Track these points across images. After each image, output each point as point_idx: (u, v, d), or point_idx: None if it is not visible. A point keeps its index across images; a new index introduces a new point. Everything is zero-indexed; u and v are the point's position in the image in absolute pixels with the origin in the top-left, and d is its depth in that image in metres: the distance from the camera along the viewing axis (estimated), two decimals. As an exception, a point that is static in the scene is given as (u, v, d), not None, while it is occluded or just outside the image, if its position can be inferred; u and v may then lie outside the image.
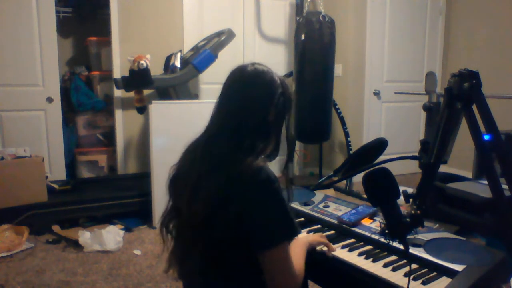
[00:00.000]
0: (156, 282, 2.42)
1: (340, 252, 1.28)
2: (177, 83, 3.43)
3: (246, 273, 1.08)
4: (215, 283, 1.10)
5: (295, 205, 1.58)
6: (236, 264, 1.07)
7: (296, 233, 1.09)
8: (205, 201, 1.03)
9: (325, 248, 1.29)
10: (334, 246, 1.31)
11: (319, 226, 1.49)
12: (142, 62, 3.16)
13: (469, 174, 2.97)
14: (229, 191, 1.02)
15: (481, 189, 2.27)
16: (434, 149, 1.07)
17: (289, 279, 1.06)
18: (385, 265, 1.18)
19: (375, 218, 1.46)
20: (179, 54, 3.54)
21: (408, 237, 1.04)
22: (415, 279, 1.09)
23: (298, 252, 1.16)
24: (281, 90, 1.14)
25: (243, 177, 1.02)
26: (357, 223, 1.42)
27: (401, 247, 1.01)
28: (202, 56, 3.44)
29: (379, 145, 1.64)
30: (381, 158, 1.59)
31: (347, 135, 4.14)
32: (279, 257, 1.03)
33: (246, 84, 1.14)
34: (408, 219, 1.03)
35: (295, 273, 1.07)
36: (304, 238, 1.27)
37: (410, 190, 1.08)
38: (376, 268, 1.17)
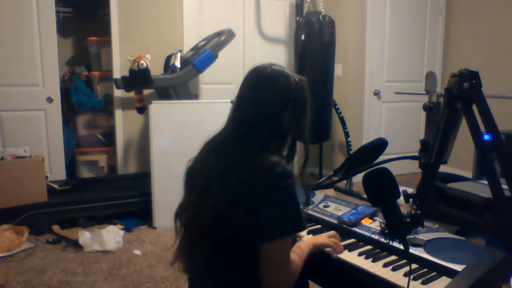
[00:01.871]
0: (156, 282, 2.42)
1: (340, 252, 1.28)
2: (177, 83, 3.43)
3: (252, 268, 1.08)
4: (221, 277, 1.11)
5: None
6: (243, 259, 1.08)
7: (302, 228, 1.10)
8: (217, 197, 1.06)
9: (328, 249, 1.28)
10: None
11: (319, 226, 1.49)
12: (142, 62, 3.16)
13: (469, 174, 2.97)
14: (243, 187, 1.03)
15: (481, 189, 2.26)
16: (434, 149, 1.07)
17: (283, 276, 1.07)
18: (385, 265, 1.18)
19: (375, 218, 1.46)
20: (179, 54, 3.55)
21: (408, 237, 1.04)
22: (415, 279, 1.09)
23: (298, 254, 1.17)
24: (297, 92, 1.15)
25: (258, 171, 1.04)
26: (357, 223, 1.42)
27: (401, 247, 1.01)
28: (202, 56, 3.44)
29: (379, 145, 1.64)
30: (381, 158, 1.59)
31: (347, 135, 4.15)
32: (278, 251, 1.05)
33: (262, 86, 1.15)
34: (408, 219, 1.03)
35: (289, 271, 1.08)
36: (309, 240, 1.27)
37: (410, 190, 1.08)
38: (376, 268, 1.17)
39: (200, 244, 1.10)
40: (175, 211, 1.21)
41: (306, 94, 1.17)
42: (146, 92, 3.63)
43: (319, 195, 1.72)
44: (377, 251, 1.27)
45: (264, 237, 1.04)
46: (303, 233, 1.43)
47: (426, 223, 1.07)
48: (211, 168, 1.11)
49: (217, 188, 1.07)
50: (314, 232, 1.43)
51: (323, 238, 1.30)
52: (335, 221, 1.46)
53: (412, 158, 1.29)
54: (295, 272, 1.12)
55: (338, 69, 4.38)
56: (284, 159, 1.11)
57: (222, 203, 1.05)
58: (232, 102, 1.21)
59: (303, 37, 3.66)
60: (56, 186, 3.35)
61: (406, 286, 1.01)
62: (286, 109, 1.13)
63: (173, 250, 1.21)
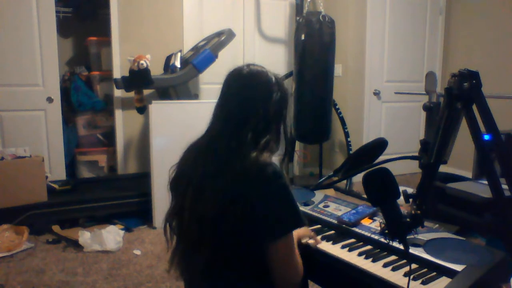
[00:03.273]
0: (156, 282, 2.42)
1: (340, 252, 1.28)
2: (177, 83, 3.43)
3: (250, 273, 1.08)
4: (218, 283, 1.10)
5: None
6: (240, 264, 1.08)
7: (303, 222, 1.11)
8: (212, 201, 1.05)
9: (310, 241, 1.32)
10: (334, 246, 1.31)
11: (319, 226, 1.49)
12: (142, 62, 3.16)
13: (469, 174, 2.97)
14: (236, 189, 1.04)
15: (481, 189, 2.27)
16: (434, 149, 1.07)
17: (295, 269, 1.10)
18: (385, 265, 1.18)
19: (375, 218, 1.46)
20: (179, 54, 3.54)
21: (408, 237, 1.04)
22: (415, 279, 1.09)
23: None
24: (277, 87, 1.18)
25: (250, 173, 1.05)
26: (357, 223, 1.42)
27: (401, 247, 1.01)
28: (202, 56, 3.44)
29: (379, 145, 1.64)
30: (381, 158, 1.59)
31: (347, 135, 4.14)
32: (286, 247, 1.07)
33: (243, 86, 1.18)
34: (408, 219, 1.03)
35: (299, 263, 1.11)
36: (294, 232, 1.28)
37: (410, 190, 1.08)
38: (376, 268, 1.17)
39: (196, 249, 1.10)
40: (165, 219, 1.20)
41: (286, 88, 1.21)
42: (146, 92, 3.63)
43: (319, 195, 1.72)
44: (377, 251, 1.27)
45: (268, 238, 1.06)
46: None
47: (426, 223, 1.07)
48: (202, 172, 1.11)
49: (211, 191, 1.07)
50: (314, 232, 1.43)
51: (303, 230, 1.32)
52: (335, 221, 1.46)
53: (412, 158, 1.29)
54: (301, 262, 1.13)
55: (338, 69, 4.38)
56: (272, 155, 1.13)
57: (218, 205, 1.05)
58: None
59: (303, 37, 3.66)
60: (56, 186, 3.35)
61: (406, 286, 1.01)
62: (270, 104, 1.16)
63: (168, 258, 1.20)
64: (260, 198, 1.04)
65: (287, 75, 4.03)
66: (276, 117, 1.17)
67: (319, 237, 1.36)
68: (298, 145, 4.57)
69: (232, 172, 1.05)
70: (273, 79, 1.19)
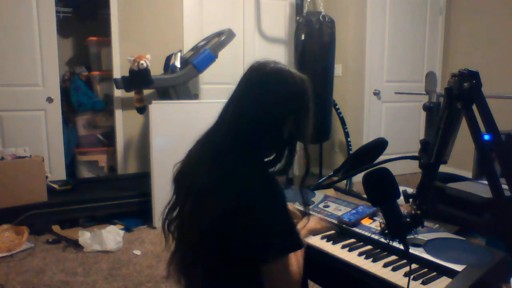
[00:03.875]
0: (156, 282, 2.42)
1: (340, 252, 1.28)
2: (177, 83, 3.43)
3: (248, 281, 1.07)
4: (218, 285, 1.09)
5: (295, 205, 1.58)
6: (239, 273, 1.06)
7: (301, 246, 1.07)
8: (212, 211, 1.02)
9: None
10: (334, 246, 1.31)
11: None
12: (142, 62, 3.16)
13: (469, 174, 2.97)
14: (237, 202, 1.00)
15: (481, 189, 2.26)
16: (434, 149, 1.06)
17: None
18: (385, 265, 1.18)
19: (375, 218, 1.46)
20: (179, 54, 3.55)
21: (408, 237, 1.04)
22: (415, 279, 1.09)
23: (298, 256, 1.15)
24: (303, 93, 1.08)
25: (252, 189, 1.01)
26: (357, 223, 1.42)
27: (401, 247, 1.01)
28: (202, 56, 3.44)
29: (379, 145, 1.63)
30: (381, 158, 1.59)
31: (347, 135, 4.14)
32: (280, 270, 1.03)
33: (266, 85, 1.07)
34: (408, 219, 1.02)
35: (294, 283, 1.06)
36: (303, 231, 1.26)
37: (410, 190, 1.08)
38: (376, 268, 1.17)
39: (195, 256, 1.08)
40: (164, 215, 1.15)
41: (310, 95, 1.10)
42: (146, 92, 3.63)
43: (319, 195, 1.72)
44: (377, 251, 1.27)
45: (265, 258, 1.02)
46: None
47: (426, 223, 1.07)
48: (206, 175, 1.06)
49: (214, 199, 1.03)
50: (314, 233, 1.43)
51: (314, 223, 1.31)
52: (335, 221, 1.46)
53: (412, 158, 1.29)
54: (299, 274, 1.09)
55: (338, 69, 4.38)
56: (280, 174, 1.08)
57: (219, 214, 1.01)
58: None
59: (303, 37, 3.66)
60: (56, 186, 3.35)
61: (406, 286, 1.01)
62: (291, 112, 1.07)
63: (166, 257, 1.18)
64: (257, 217, 0.99)
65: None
66: (296, 127, 1.07)
67: (336, 246, 1.32)
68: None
69: (235, 186, 1.01)
70: (300, 83, 1.08)
